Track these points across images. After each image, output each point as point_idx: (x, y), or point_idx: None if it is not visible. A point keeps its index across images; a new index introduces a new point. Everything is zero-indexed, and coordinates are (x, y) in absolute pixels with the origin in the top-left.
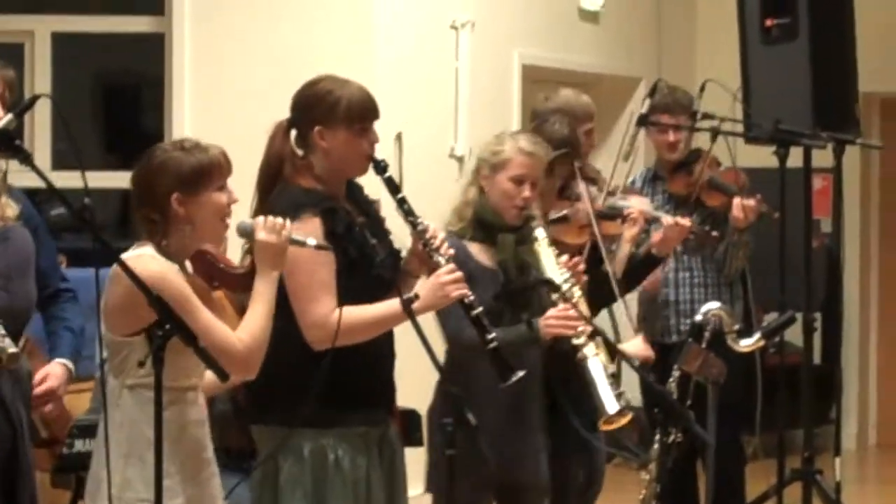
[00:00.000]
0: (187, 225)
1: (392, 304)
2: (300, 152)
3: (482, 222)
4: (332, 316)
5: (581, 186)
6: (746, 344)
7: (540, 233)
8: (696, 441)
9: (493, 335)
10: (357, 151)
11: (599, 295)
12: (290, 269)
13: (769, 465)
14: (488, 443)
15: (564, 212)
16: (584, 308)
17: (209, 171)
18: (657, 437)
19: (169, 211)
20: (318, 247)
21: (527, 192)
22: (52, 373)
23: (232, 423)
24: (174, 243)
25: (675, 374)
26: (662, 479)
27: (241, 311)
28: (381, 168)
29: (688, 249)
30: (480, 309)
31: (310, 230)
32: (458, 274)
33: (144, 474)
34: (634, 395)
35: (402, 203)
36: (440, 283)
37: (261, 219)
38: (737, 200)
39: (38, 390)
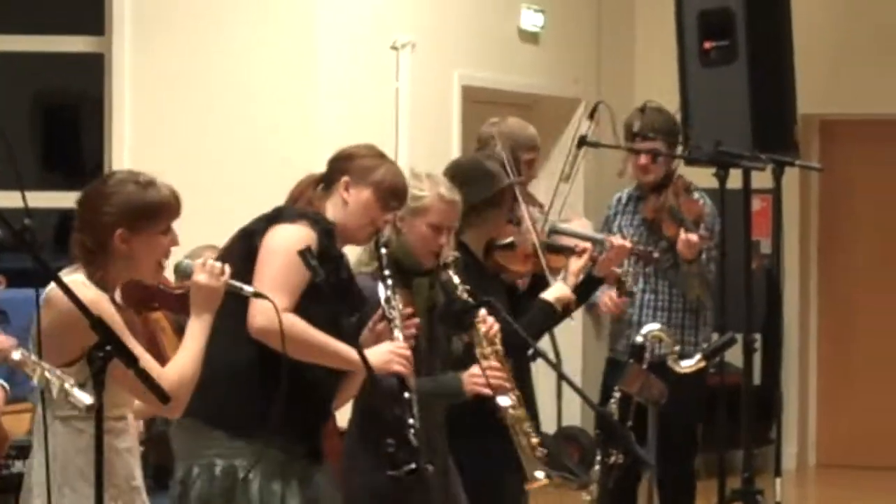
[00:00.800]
0: (125, 260)
1: (342, 346)
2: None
3: (398, 265)
4: (282, 312)
5: (525, 216)
6: (687, 365)
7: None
8: (637, 463)
9: (413, 421)
10: (370, 219)
11: (542, 321)
12: (267, 258)
13: (710, 485)
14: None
15: (511, 239)
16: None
17: (158, 212)
18: (598, 457)
19: (110, 244)
20: (255, 294)
21: (443, 239)
22: None
23: (170, 442)
24: (108, 275)
25: (616, 394)
26: (604, 500)
27: (180, 330)
28: (382, 245)
29: (656, 270)
30: (412, 394)
31: (301, 235)
32: (408, 353)
33: (77, 503)
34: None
35: (386, 279)
36: (390, 352)
37: (200, 261)
38: (681, 234)
39: None
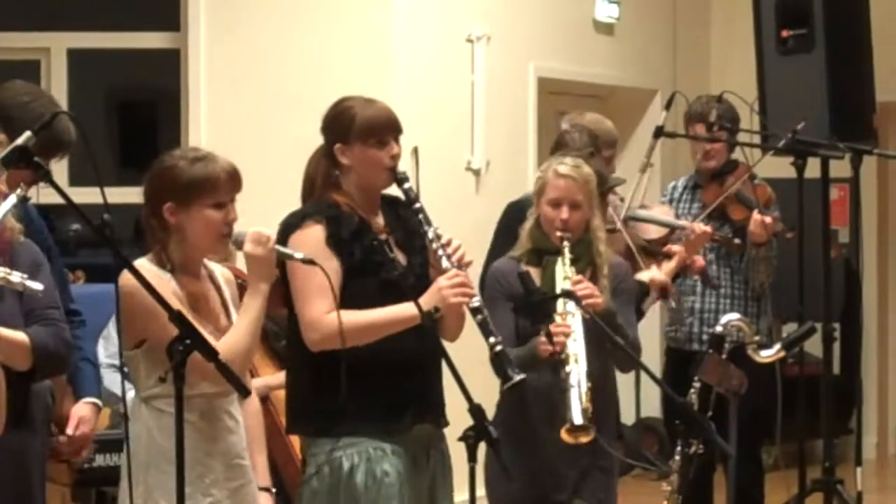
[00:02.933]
0: (179, 235)
1: (394, 310)
2: (336, 171)
3: (535, 247)
4: (325, 318)
5: (618, 222)
6: (767, 355)
7: (565, 256)
8: (715, 452)
9: (496, 339)
10: (376, 164)
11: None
12: (289, 273)
13: (790, 475)
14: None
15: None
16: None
17: (204, 186)
18: (678, 448)
19: (163, 219)
20: (304, 260)
21: (564, 214)
22: (84, 417)
23: None
24: (173, 251)
25: (696, 385)
26: (684, 490)
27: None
28: (399, 179)
29: (719, 257)
30: (485, 314)
31: (311, 236)
32: (459, 279)
33: (164, 484)
34: (654, 406)
35: (417, 213)
36: (438, 287)
37: (252, 230)
38: (754, 215)
39: (77, 438)
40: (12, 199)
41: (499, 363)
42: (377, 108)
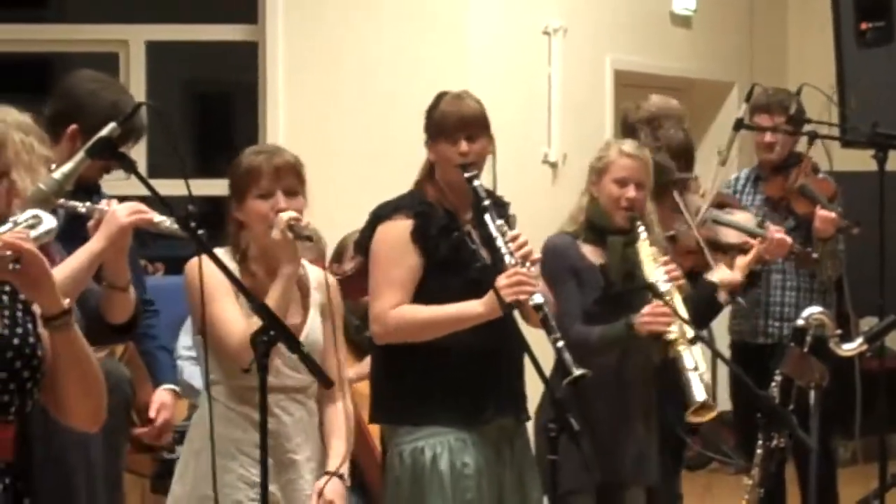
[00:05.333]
0: (247, 229)
1: (465, 305)
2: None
3: (593, 225)
4: (389, 312)
5: (687, 211)
6: (849, 348)
7: (643, 233)
8: (795, 447)
9: (557, 335)
10: (447, 161)
11: (704, 304)
12: (371, 261)
13: (870, 469)
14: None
15: (672, 232)
16: (680, 308)
17: (247, 178)
18: (760, 441)
19: (232, 215)
20: (307, 238)
21: (631, 193)
22: (165, 403)
23: None
24: (245, 243)
25: (777, 378)
26: (766, 483)
27: None
28: (467, 177)
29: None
30: (546, 310)
31: (398, 228)
32: (517, 277)
33: (210, 471)
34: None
35: (483, 210)
36: (500, 287)
37: (282, 216)
38: (819, 211)
39: (157, 424)
40: (51, 222)
41: (561, 359)
42: (456, 103)
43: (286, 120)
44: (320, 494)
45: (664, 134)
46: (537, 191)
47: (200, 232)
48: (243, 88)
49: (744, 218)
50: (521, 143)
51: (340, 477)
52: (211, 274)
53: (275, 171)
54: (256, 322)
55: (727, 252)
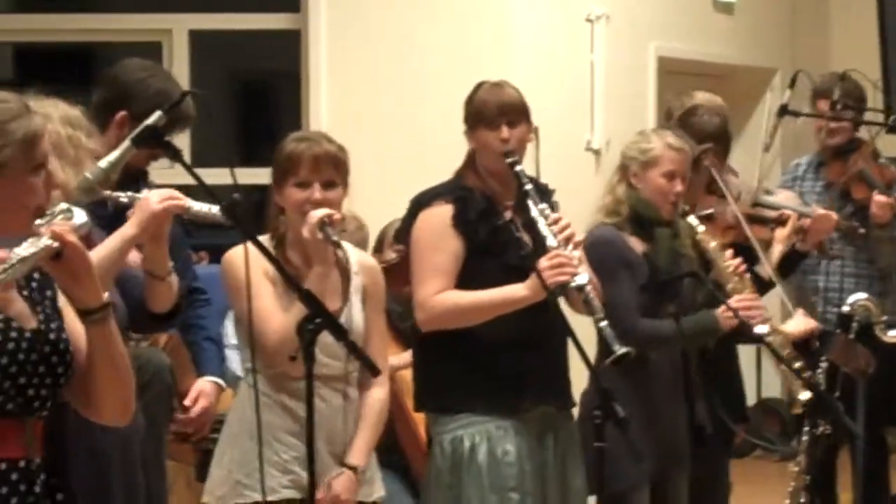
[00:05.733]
0: (286, 216)
1: (509, 289)
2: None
3: (639, 217)
4: (432, 299)
5: (728, 185)
6: (894, 334)
7: (700, 227)
8: (841, 434)
9: (600, 314)
10: (488, 148)
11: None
12: (413, 248)
13: None
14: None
15: (710, 210)
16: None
17: (286, 166)
18: (806, 428)
19: (273, 202)
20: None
21: (678, 187)
22: (204, 391)
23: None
24: (284, 230)
25: (823, 365)
26: (812, 470)
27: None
28: (510, 163)
29: (843, 235)
30: (588, 291)
31: (438, 215)
32: (558, 260)
33: (243, 458)
34: (775, 387)
35: (525, 195)
36: (539, 268)
37: (318, 213)
38: (875, 196)
39: (194, 411)
40: (82, 217)
41: (603, 339)
42: (495, 91)
43: (328, 108)
44: (329, 487)
45: (698, 120)
46: (580, 178)
47: (240, 220)
48: (286, 77)
49: (786, 197)
50: (564, 131)
51: (354, 470)
52: (242, 264)
53: (314, 161)
54: (294, 314)
55: (766, 225)
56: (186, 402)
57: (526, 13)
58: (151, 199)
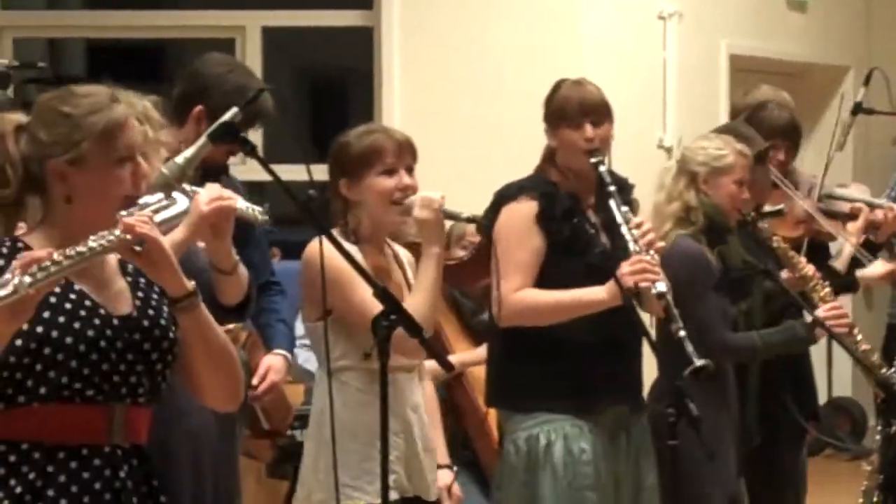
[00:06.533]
0: (358, 208)
1: (588, 291)
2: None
3: (714, 225)
4: (512, 295)
5: (799, 180)
6: None
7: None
8: None
9: (679, 325)
10: (571, 146)
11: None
12: (497, 243)
13: None
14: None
15: (780, 206)
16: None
17: (370, 155)
18: (879, 427)
19: (341, 196)
20: (469, 219)
21: (746, 194)
22: (273, 366)
23: (447, 413)
24: (354, 224)
25: None
26: (885, 469)
27: (452, 302)
28: (593, 163)
29: None
30: (669, 299)
31: (523, 210)
32: (641, 265)
33: (348, 461)
34: (846, 385)
35: (608, 196)
36: (620, 273)
37: (418, 195)
38: None
39: (262, 386)
40: (184, 204)
41: (684, 350)
42: (577, 89)
43: (401, 105)
44: (449, 491)
45: (768, 115)
46: (652, 175)
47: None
48: (358, 74)
49: (858, 190)
50: (636, 128)
51: (450, 468)
52: (333, 257)
53: (398, 148)
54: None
55: (837, 219)
56: (255, 380)
57: (598, 10)
58: (200, 200)
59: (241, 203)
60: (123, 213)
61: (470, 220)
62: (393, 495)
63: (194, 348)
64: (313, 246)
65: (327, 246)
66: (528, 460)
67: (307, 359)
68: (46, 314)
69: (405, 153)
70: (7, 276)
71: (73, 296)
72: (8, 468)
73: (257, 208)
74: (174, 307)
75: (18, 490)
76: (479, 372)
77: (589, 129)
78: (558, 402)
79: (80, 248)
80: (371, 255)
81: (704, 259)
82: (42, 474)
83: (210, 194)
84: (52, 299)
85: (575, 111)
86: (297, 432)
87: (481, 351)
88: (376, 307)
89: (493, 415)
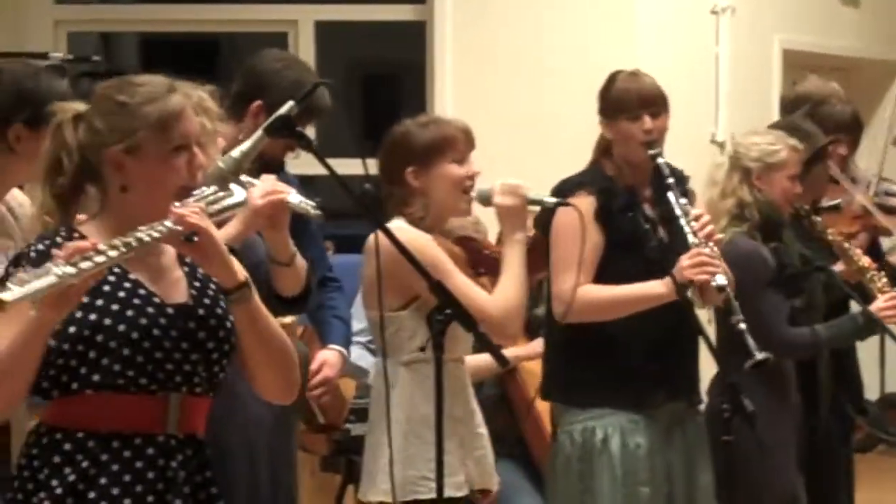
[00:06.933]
0: (424, 197)
1: (647, 286)
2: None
3: (769, 221)
4: (573, 291)
5: (856, 175)
6: None
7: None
8: None
9: (738, 317)
10: (628, 139)
11: None
12: (553, 240)
13: None
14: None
15: (838, 200)
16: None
17: (441, 144)
18: None
19: (406, 184)
20: (558, 203)
21: (798, 188)
22: (328, 360)
23: (499, 407)
24: (416, 215)
25: None
26: None
27: None
28: (651, 155)
29: None
30: (729, 293)
31: (582, 206)
32: (700, 258)
33: (426, 453)
34: None
35: (667, 188)
36: (680, 266)
37: (496, 183)
38: None
39: (315, 379)
40: (241, 195)
41: (744, 343)
42: (634, 81)
43: (454, 99)
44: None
45: (830, 110)
46: (704, 170)
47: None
48: (410, 68)
49: None
50: (689, 123)
51: None
52: (426, 247)
53: (467, 136)
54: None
55: (893, 213)
56: (312, 369)
57: (652, 4)
58: (254, 195)
59: (294, 197)
60: (177, 203)
61: (558, 204)
62: (465, 489)
63: (248, 340)
64: (381, 239)
65: (414, 234)
66: (582, 452)
67: (360, 356)
68: (100, 302)
69: (470, 141)
70: (49, 264)
71: (127, 284)
72: (63, 456)
73: (310, 203)
74: (226, 298)
75: (72, 478)
76: (532, 366)
77: (648, 121)
78: (615, 396)
79: (128, 239)
80: (443, 243)
81: (759, 256)
82: (95, 463)
83: (264, 187)
84: (106, 287)
85: (634, 103)
86: (352, 426)
87: (534, 345)
88: (482, 293)
89: (545, 411)
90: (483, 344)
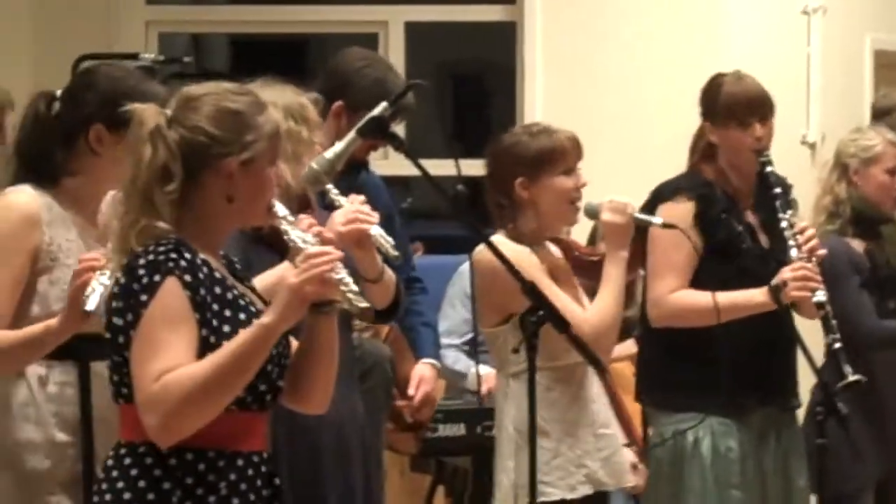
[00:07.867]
0: (533, 208)
1: (746, 294)
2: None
3: (863, 217)
4: (667, 296)
5: None
6: None
7: None
8: None
9: (836, 335)
10: (738, 146)
11: None
12: (648, 247)
13: None
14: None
15: None
16: None
17: (552, 155)
18: None
19: (514, 195)
20: (664, 225)
21: None
22: (424, 377)
23: None
24: (523, 226)
25: None
26: None
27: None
28: (762, 162)
29: None
30: (828, 309)
31: (679, 210)
32: (802, 273)
33: (541, 458)
34: None
35: (774, 198)
36: (781, 279)
37: (606, 199)
38: None
39: (417, 399)
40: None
41: (837, 363)
42: (742, 85)
43: (543, 101)
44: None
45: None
46: (796, 171)
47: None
48: (499, 69)
49: None
50: (780, 124)
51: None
52: (524, 261)
53: (578, 147)
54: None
55: None
56: (410, 391)
57: (743, 5)
58: (336, 220)
59: (376, 229)
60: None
61: (665, 226)
62: (586, 489)
63: (319, 353)
64: (484, 250)
65: (512, 248)
66: (674, 454)
67: (457, 359)
68: (242, 316)
69: (579, 152)
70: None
71: (242, 302)
72: (195, 477)
73: (390, 241)
74: (317, 311)
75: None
76: (621, 367)
77: (758, 128)
78: (708, 400)
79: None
80: (545, 255)
81: (844, 251)
82: (225, 480)
83: (347, 213)
84: (241, 302)
85: (743, 110)
86: (443, 426)
87: (625, 346)
88: (570, 310)
89: (636, 412)
90: (577, 347)
